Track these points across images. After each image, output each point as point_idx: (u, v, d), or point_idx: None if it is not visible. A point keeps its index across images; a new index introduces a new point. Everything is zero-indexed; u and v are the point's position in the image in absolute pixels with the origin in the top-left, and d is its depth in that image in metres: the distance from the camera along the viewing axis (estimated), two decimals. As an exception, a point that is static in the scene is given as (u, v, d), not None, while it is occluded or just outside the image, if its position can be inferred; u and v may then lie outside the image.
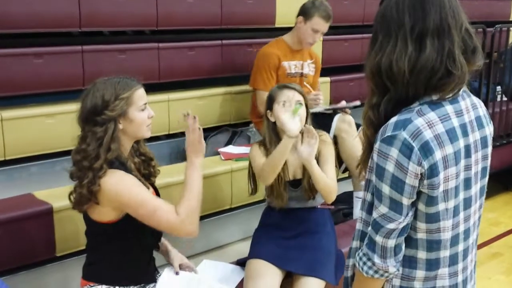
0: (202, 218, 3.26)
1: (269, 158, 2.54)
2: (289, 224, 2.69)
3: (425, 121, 1.35)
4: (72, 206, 2.15)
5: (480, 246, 1.40)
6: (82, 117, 2.10)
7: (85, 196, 2.05)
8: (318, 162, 2.61)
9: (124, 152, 2.14)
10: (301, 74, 3.76)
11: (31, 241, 2.71)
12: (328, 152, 2.66)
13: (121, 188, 2.04)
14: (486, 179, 1.52)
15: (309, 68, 3.82)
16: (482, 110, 1.51)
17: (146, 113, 2.15)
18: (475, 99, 1.51)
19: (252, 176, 2.78)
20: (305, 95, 2.70)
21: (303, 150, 2.48)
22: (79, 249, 2.71)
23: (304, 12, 3.64)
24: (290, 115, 2.48)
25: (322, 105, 3.56)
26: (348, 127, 3.45)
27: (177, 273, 2.34)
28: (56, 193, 2.78)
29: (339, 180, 2.68)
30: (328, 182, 2.55)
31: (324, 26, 3.63)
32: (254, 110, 3.79)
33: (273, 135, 2.65)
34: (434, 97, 1.38)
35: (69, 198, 2.16)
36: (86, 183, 2.03)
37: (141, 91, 2.15)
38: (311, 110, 3.44)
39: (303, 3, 3.70)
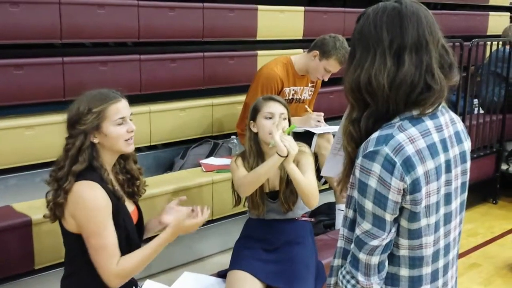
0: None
1: (254, 170, 2.54)
2: (269, 236, 2.69)
3: (406, 137, 1.35)
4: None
5: (458, 257, 1.42)
6: (66, 128, 2.09)
7: (50, 206, 2.06)
8: None
9: (106, 166, 2.11)
10: (298, 100, 3.70)
11: (10, 253, 2.68)
12: (308, 162, 2.65)
13: (83, 209, 1.99)
14: (466, 194, 1.53)
15: (308, 94, 3.74)
16: (460, 125, 1.53)
17: (124, 128, 2.07)
18: (453, 115, 1.52)
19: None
20: (289, 108, 2.71)
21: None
22: (58, 262, 2.69)
23: (322, 49, 3.48)
24: (282, 134, 2.45)
25: (318, 127, 3.51)
26: (327, 144, 3.43)
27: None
28: (35, 205, 2.76)
29: (319, 191, 2.70)
30: (309, 185, 2.53)
31: (338, 69, 3.52)
32: (241, 123, 3.68)
33: (254, 146, 2.66)
34: (415, 112, 1.39)
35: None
36: (53, 193, 2.04)
37: (118, 105, 2.07)
38: (310, 129, 3.47)
39: (323, 37, 3.53)
